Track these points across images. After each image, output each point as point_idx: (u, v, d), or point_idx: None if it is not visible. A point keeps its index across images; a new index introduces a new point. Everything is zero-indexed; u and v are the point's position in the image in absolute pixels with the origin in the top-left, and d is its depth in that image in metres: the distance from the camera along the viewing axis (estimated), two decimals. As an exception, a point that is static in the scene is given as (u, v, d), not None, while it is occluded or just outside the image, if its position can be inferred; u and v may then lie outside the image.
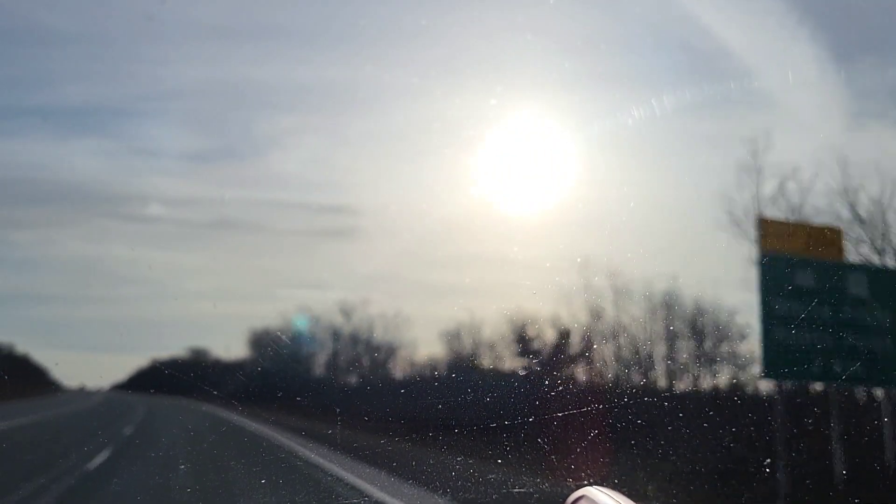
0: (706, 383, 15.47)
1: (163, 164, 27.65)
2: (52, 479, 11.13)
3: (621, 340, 16.36)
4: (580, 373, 15.61)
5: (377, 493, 9.34)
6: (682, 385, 15.86)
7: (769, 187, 12.15)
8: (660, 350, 16.72)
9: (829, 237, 10.95)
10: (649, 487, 8.75)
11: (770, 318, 9.94)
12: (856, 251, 12.00)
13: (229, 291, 27.27)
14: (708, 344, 15.80)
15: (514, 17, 12.56)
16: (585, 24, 13.82)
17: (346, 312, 24.20)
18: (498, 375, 18.31)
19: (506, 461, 9.31)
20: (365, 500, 9.00)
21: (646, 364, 16.38)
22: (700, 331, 15.86)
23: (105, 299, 30.30)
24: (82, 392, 39.12)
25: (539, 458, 8.91)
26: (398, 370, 23.88)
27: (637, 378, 16.06)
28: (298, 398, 18.46)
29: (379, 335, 23.95)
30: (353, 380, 24.96)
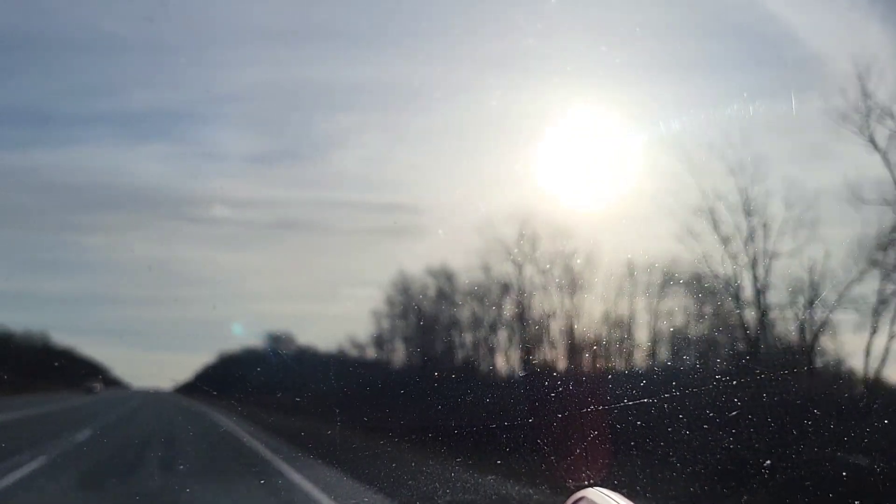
0: (709, 384, 15.45)
1: (226, 166, 28.29)
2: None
3: (635, 339, 16.34)
4: (584, 373, 15.61)
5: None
6: (685, 385, 15.82)
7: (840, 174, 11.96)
8: (666, 351, 16.71)
9: None
10: (649, 488, 8.74)
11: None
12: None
13: (293, 291, 27.51)
14: (724, 345, 15.74)
15: (571, 11, 12.48)
16: (644, 12, 13.69)
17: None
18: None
19: (505, 462, 9.28)
20: None
21: (654, 363, 16.37)
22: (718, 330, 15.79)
23: (173, 300, 30.89)
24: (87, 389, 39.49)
25: (539, 460, 8.89)
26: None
27: (643, 378, 16.04)
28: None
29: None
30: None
